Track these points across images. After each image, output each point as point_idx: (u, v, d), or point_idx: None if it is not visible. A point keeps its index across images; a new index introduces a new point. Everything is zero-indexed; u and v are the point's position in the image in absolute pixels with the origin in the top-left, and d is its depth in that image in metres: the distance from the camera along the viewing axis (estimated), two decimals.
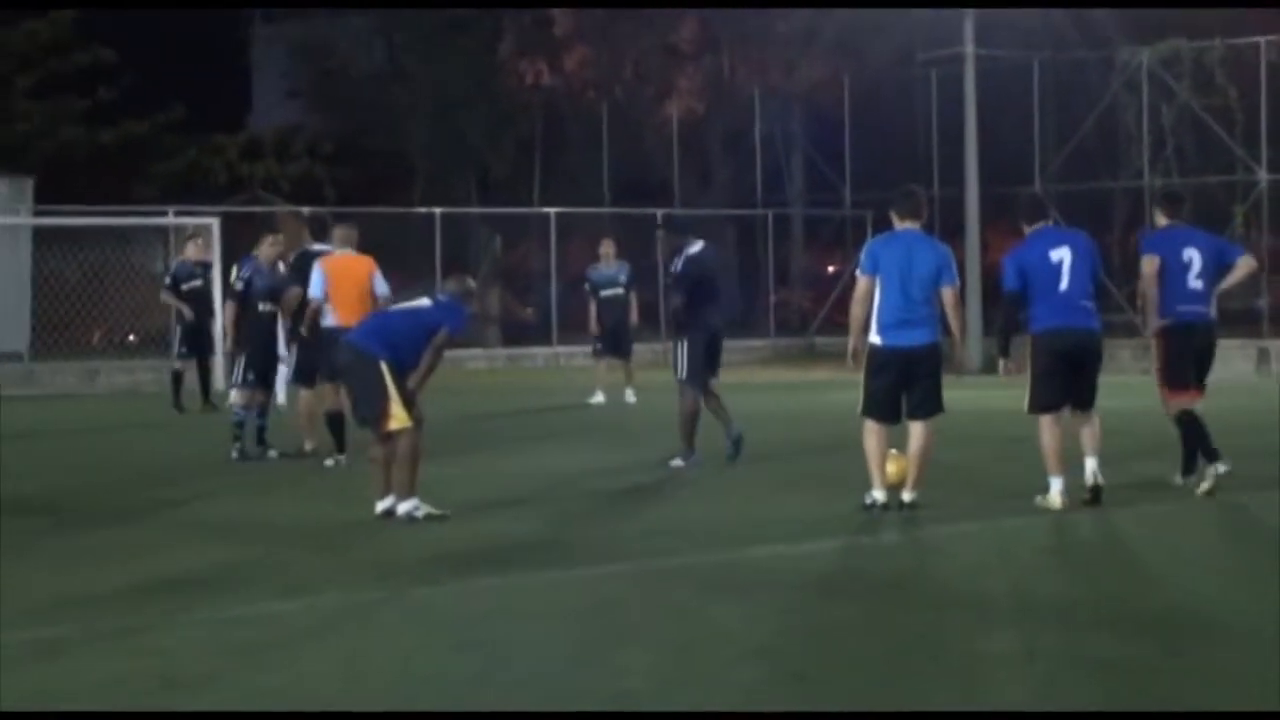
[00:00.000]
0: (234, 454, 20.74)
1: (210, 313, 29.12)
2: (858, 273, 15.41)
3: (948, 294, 15.18)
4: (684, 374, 20.18)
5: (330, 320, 19.85)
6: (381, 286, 20.16)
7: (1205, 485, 16.57)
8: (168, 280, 29.55)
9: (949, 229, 41.33)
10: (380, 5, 49.55)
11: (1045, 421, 16.06)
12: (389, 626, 11.24)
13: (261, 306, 21.65)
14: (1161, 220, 17.57)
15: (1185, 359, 16.77)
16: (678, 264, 20.44)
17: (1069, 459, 15.80)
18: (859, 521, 14.82)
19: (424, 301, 16.19)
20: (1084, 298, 16.34)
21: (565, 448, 22.08)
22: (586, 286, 30.72)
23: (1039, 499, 15.74)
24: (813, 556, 13.64)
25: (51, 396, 29.28)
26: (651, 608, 11.74)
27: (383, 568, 13.37)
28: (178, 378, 28.81)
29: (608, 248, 30.83)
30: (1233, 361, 35.42)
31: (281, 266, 22.05)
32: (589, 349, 31.04)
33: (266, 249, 21.99)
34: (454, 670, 9.91)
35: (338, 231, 20.97)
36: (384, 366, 15.40)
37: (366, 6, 50.61)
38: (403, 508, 15.40)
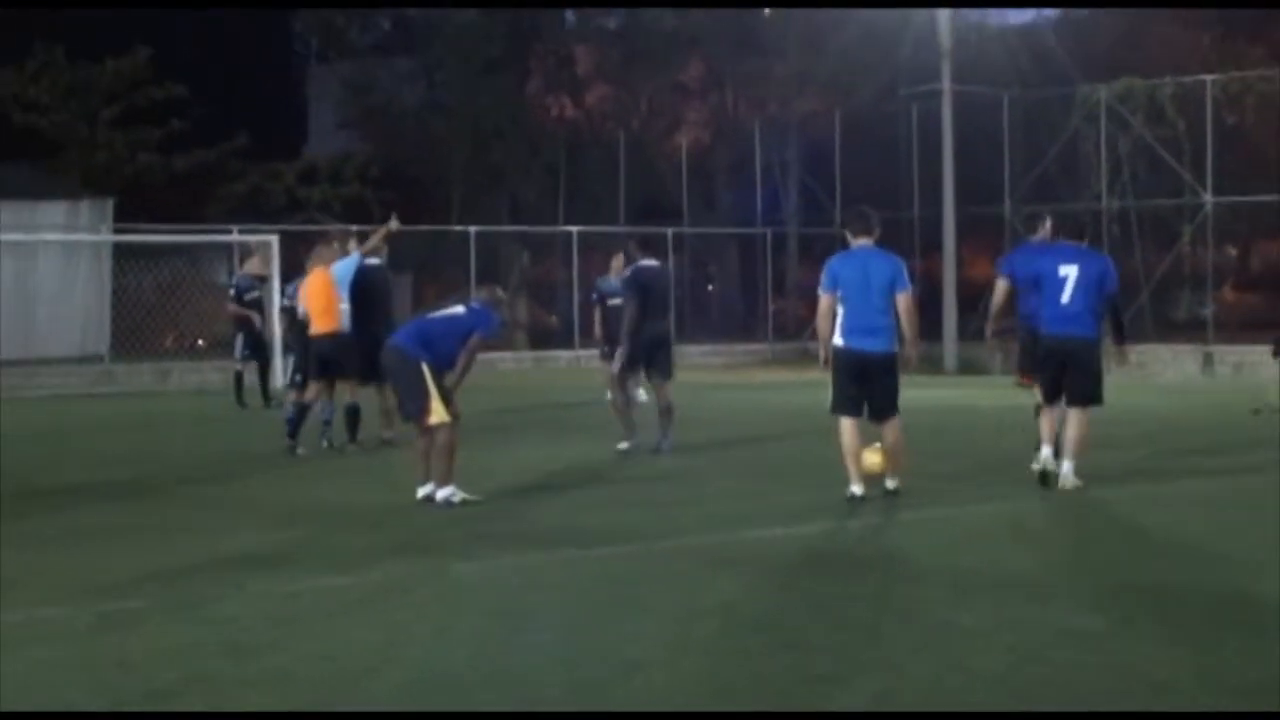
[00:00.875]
0: (323, 443, 20.76)
1: (267, 320, 29.19)
2: (820, 290, 15.32)
3: (903, 300, 15.08)
4: (615, 370, 20.87)
5: (312, 328, 20.27)
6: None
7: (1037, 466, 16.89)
8: (232, 292, 29.59)
9: (929, 245, 41.36)
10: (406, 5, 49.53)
11: (1044, 410, 16.60)
12: (428, 598, 11.27)
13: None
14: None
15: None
16: (625, 273, 21.48)
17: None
18: (844, 506, 14.83)
19: (459, 309, 16.24)
20: (1082, 309, 16.29)
21: (583, 440, 22.06)
22: (594, 296, 30.83)
23: (1033, 465, 16.33)
24: (803, 537, 13.65)
25: (129, 394, 29.33)
26: (658, 582, 11.75)
27: (422, 547, 13.40)
28: (239, 378, 28.85)
29: (617, 261, 30.93)
30: (1184, 364, 35.46)
31: None
32: (599, 352, 31.00)
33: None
34: (484, 637, 9.93)
35: (316, 250, 20.99)
36: (425, 367, 15.46)
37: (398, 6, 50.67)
38: (441, 494, 15.46)
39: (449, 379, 15.60)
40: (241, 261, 29.08)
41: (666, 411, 20.57)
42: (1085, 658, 9.20)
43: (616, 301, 29.65)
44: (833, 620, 10.42)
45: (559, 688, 8.66)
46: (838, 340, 15.03)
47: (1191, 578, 11.59)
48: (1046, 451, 16.24)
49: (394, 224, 21.37)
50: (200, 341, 40.32)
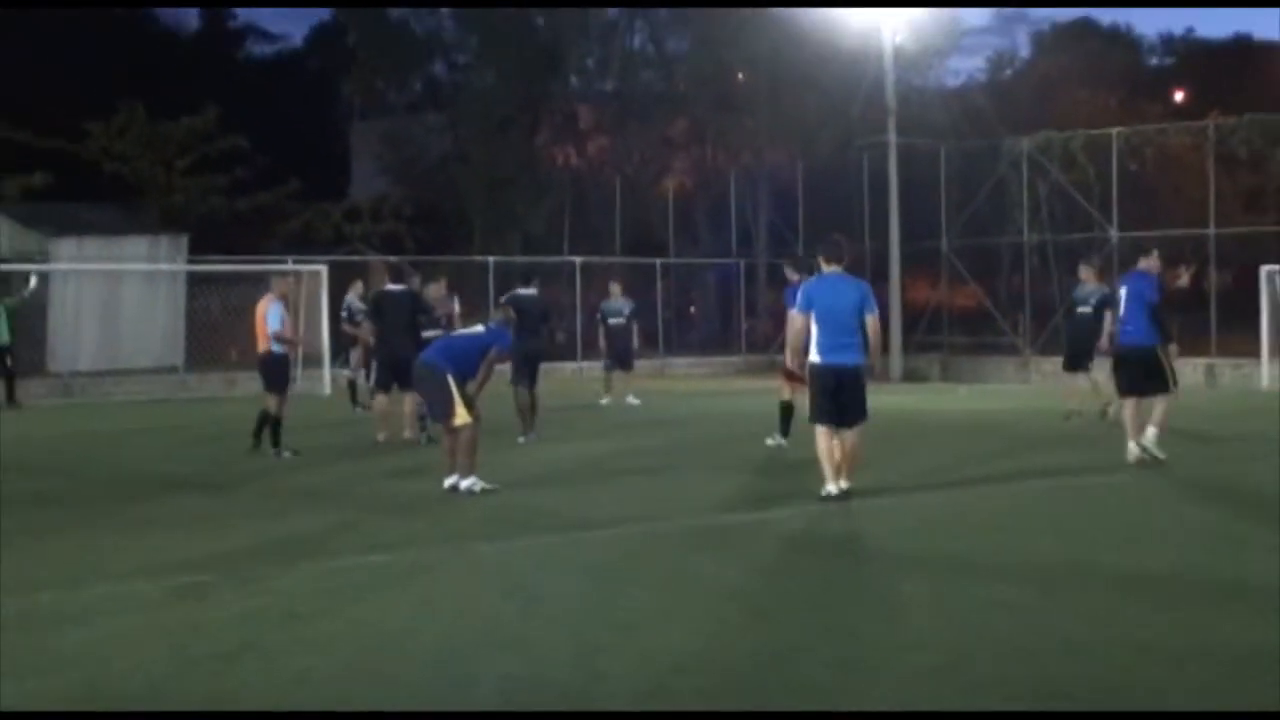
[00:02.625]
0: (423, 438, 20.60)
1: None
2: (793, 310, 15.07)
3: (870, 321, 14.70)
4: (511, 378, 21.29)
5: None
6: (271, 319, 20.01)
7: (771, 442, 19.32)
8: (344, 314, 29.22)
9: (878, 273, 41.36)
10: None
11: (1129, 403, 17.70)
12: (453, 573, 11.25)
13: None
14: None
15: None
16: (505, 298, 22.06)
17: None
18: (808, 495, 14.78)
19: (479, 328, 16.33)
20: (1135, 321, 17.71)
21: (584, 439, 22.03)
22: (599, 315, 31.10)
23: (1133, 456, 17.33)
24: (771, 522, 13.65)
25: (200, 399, 29.30)
26: (649, 559, 11.74)
27: (448, 529, 13.39)
28: (353, 385, 28.46)
29: (616, 287, 31.34)
30: (1096, 374, 35.39)
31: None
32: (602, 364, 31.03)
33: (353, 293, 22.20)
34: (501, 606, 9.92)
35: (272, 281, 20.98)
36: (450, 378, 15.48)
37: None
38: (464, 484, 15.44)
39: (471, 386, 15.63)
40: (347, 288, 28.83)
41: (531, 409, 21.47)
42: (1009, 622, 9.20)
43: (615, 321, 29.90)
44: (797, 592, 10.42)
45: (565, 649, 8.65)
46: (814, 358, 14.66)
47: (1100, 556, 11.59)
48: (1151, 433, 17.52)
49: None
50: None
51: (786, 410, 19.66)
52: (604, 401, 29.07)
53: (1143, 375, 17.73)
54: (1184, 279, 48.48)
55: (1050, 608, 9.68)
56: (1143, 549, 12.02)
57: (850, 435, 14.62)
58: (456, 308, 25.42)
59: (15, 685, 8.00)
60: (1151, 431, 17.53)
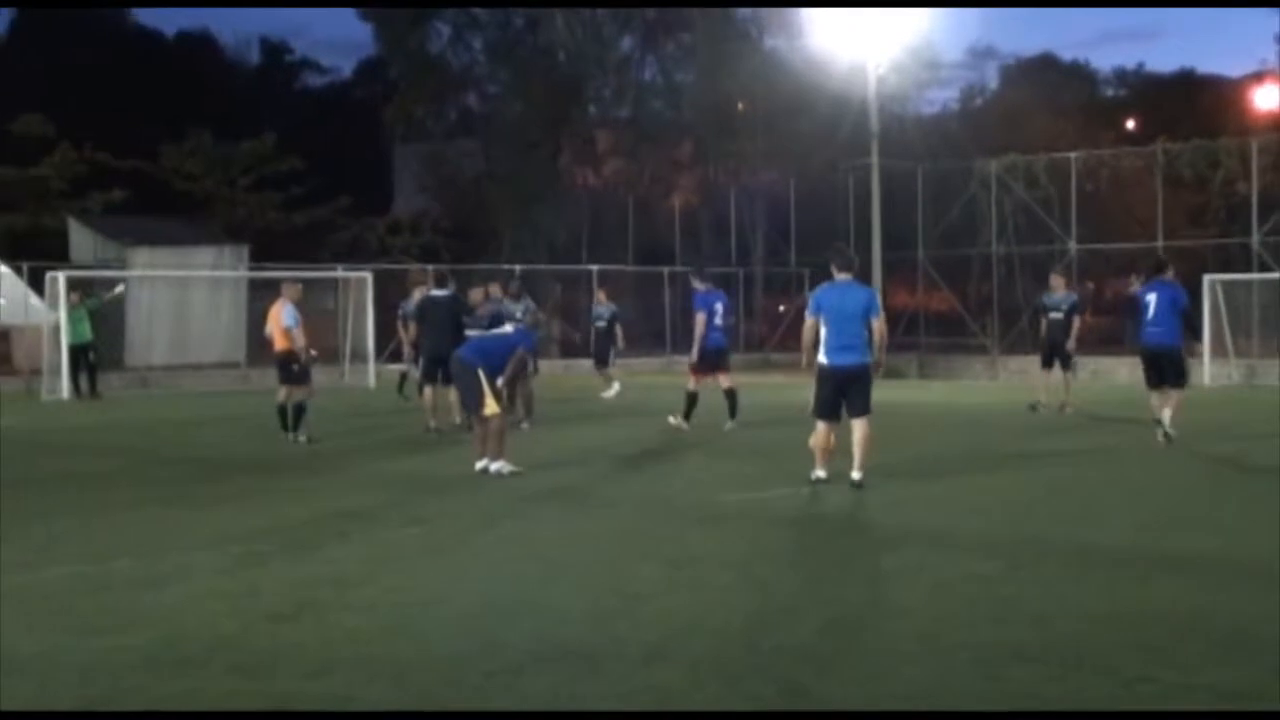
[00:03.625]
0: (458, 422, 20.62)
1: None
2: (806, 313, 14.64)
3: (876, 323, 14.40)
4: (423, 377, 21.30)
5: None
6: (286, 319, 20.05)
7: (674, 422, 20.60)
8: (401, 315, 29.14)
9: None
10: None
11: (1155, 394, 18.46)
12: (483, 545, 11.25)
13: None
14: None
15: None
16: (417, 299, 22.24)
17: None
18: (798, 477, 14.76)
19: (507, 329, 16.42)
20: (1164, 323, 18.34)
21: (598, 427, 22.00)
22: (591, 319, 31.53)
23: (1160, 438, 17.94)
24: (767, 501, 13.62)
25: (259, 392, 29.19)
26: (657, 534, 11.72)
27: (478, 507, 13.38)
28: (403, 377, 28.46)
29: (600, 294, 31.66)
30: (1054, 372, 35.38)
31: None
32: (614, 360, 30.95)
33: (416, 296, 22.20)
34: (525, 575, 9.91)
35: (283, 287, 20.97)
36: (481, 373, 15.50)
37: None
38: (494, 467, 15.45)
39: (500, 380, 15.65)
40: (406, 292, 28.81)
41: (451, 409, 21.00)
42: (982, 593, 9.19)
43: (599, 324, 30.09)
44: (789, 564, 10.42)
45: (582, 613, 8.64)
46: (822, 358, 14.32)
47: (1063, 533, 11.58)
48: (1166, 416, 18.17)
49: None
50: (313, 352, 40.24)
51: (692, 399, 21.13)
52: (613, 390, 28.80)
53: (1168, 370, 18.44)
54: (1135, 287, 48.52)
55: (1019, 580, 9.65)
56: (1102, 526, 12.01)
57: (860, 425, 14.28)
58: (531, 304, 25.76)
59: (99, 641, 8.02)
60: (1166, 414, 18.17)
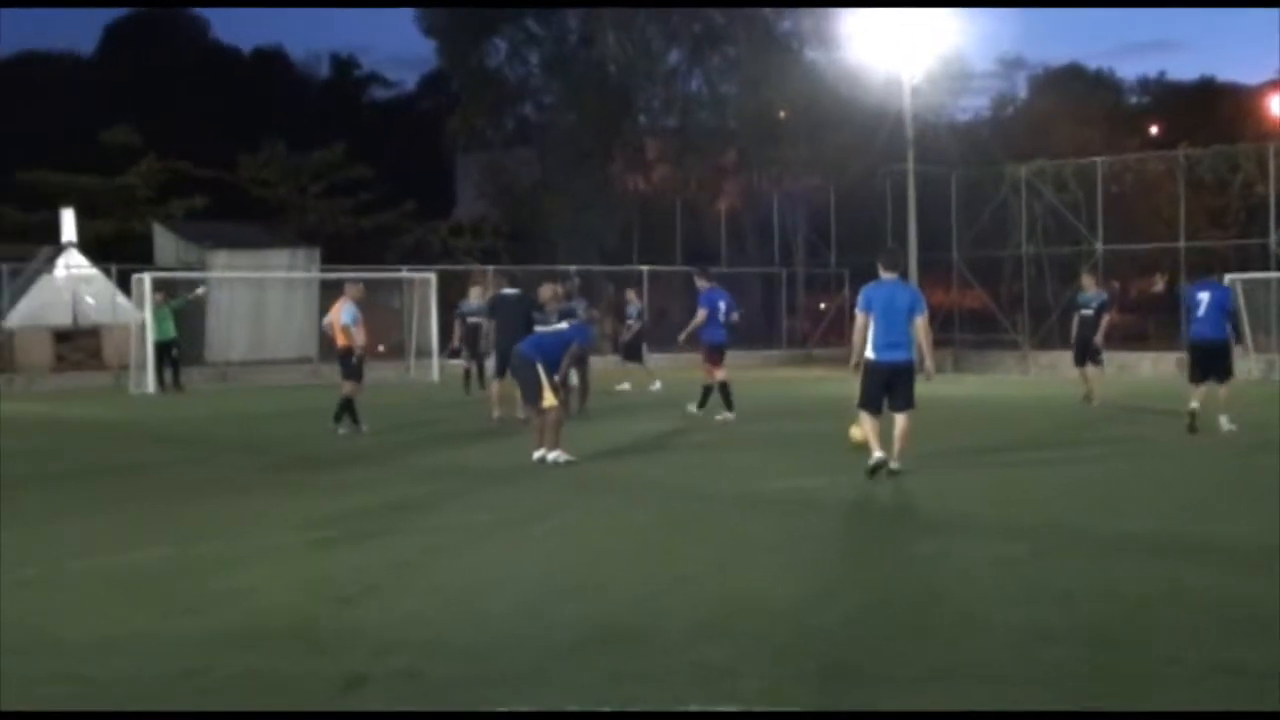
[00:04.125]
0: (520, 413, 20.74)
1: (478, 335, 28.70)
2: (856, 310, 14.44)
3: (920, 322, 14.20)
4: (493, 374, 21.52)
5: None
6: (345, 317, 20.02)
7: (722, 418, 20.69)
8: (459, 315, 29.23)
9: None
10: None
11: (1200, 389, 18.49)
12: (538, 531, 11.25)
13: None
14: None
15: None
16: (488, 297, 22.61)
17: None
18: (839, 465, 14.72)
19: (563, 325, 16.41)
20: (1214, 321, 18.42)
21: (648, 419, 21.89)
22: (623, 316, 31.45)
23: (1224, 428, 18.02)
24: (808, 489, 13.58)
25: (330, 386, 29.26)
26: (702, 520, 11.71)
27: (534, 494, 13.39)
28: (468, 374, 28.51)
29: (631, 293, 31.50)
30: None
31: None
32: (667, 355, 30.92)
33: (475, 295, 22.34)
34: (577, 559, 9.93)
35: (346, 287, 20.99)
36: (540, 367, 15.52)
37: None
38: (550, 456, 15.47)
39: (559, 374, 15.70)
40: (467, 292, 28.83)
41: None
42: (1009, 575, 9.15)
43: (630, 321, 30.10)
44: (830, 548, 10.38)
45: (631, 595, 8.64)
46: (870, 354, 14.15)
47: (1093, 520, 11.52)
48: (1224, 419, 18.22)
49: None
50: (380, 348, 40.44)
51: (719, 388, 21.47)
52: (655, 386, 28.51)
53: (1215, 365, 18.53)
54: (1159, 285, 48.24)
55: (1045, 563, 9.60)
56: (1128, 514, 11.93)
57: (902, 420, 14.14)
58: (585, 303, 25.83)
59: (186, 621, 8.08)
60: (1224, 416, 18.25)
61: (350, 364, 20.02)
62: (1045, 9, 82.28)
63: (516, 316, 20.71)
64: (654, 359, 31.87)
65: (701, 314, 21.65)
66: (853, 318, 14.67)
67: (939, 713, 6.30)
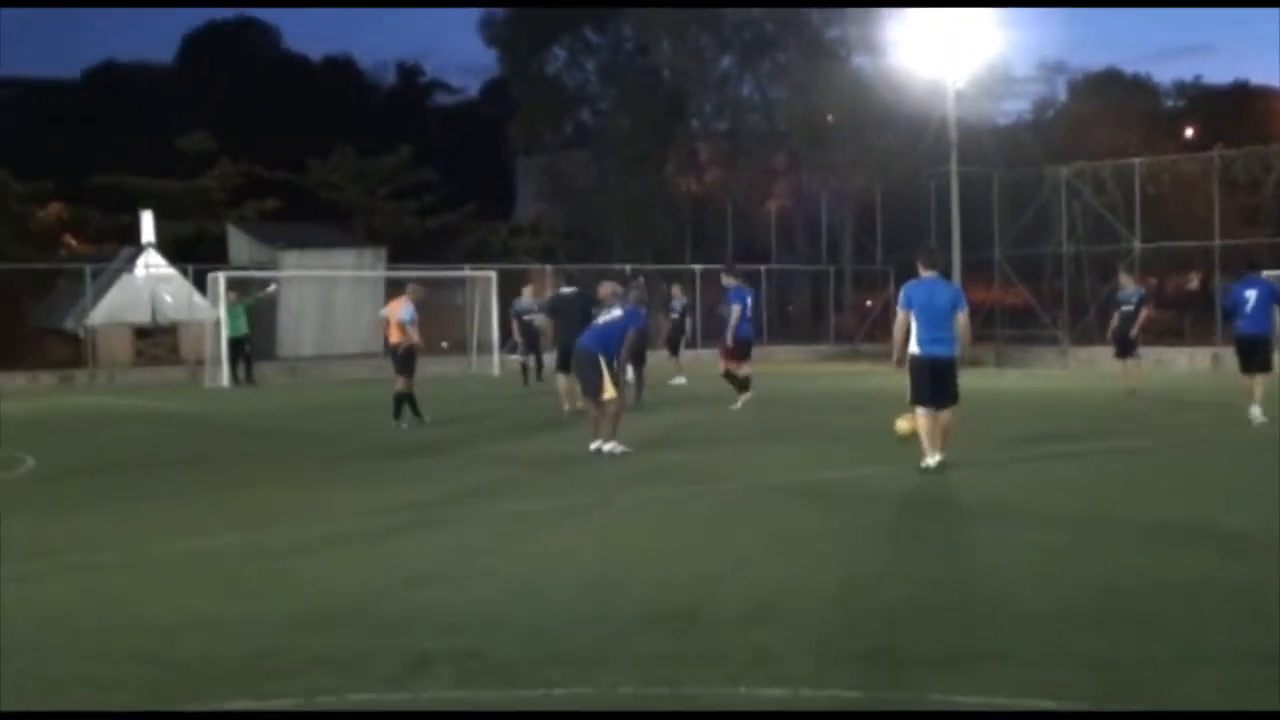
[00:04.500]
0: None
1: (534, 331, 28.84)
2: (897, 307, 14.27)
3: (960, 319, 13.97)
4: (558, 366, 21.38)
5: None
6: (403, 315, 19.99)
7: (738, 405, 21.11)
8: (513, 312, 29.38)
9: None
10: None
11: (1247, 380, 18.74)
12: (596, 519, 11.28)
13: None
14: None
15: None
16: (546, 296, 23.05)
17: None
18: (885, 456, 14.68)
19: (617, 313, 16.28)
20: (1260, 316, 18.54)
21: (699, 409, 21.86)
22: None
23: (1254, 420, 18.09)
24: (857, 479, 13.57)
25: (393, 380, 29.53)
26: (755, 508, 11.72)
27: (592, 484, 13.42)
28: (525, 368, 28.65)
29: (676, 289, 31.52)
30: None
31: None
32: (714, 350, 30.85)
33: (526, 294, 22.36)
34: (634, 545, 9.96)
35: (409, 287, 21.01)
36: (601, 360, 15.56)
37: None
38: (607, 447, 15.50)
39: (616, 364, 15.83)
40: (511, 294, 28.97)
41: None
42: (1049, 564, 9.11)
43: (673, 315, 30.10)
44: (875, 535, 10.36)
45: (686, 579, 8.66)
46: (914, 349, 13.91)
47: (1129, 509, 11.45)
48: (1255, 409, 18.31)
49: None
50: (444, 344, 40.60)
51: (733, 379, 21.95)
52: (680, 380, 28.25)
53: (1257, 357, 18.78)
54: (1194, 282, 47.83)
55: (1082, 551, 9.56)
56: (1162, 503, 11.87)
57: (945, 415, 13.94)
58: (684, 296, 25.93)
59: (259, 603, 8.16)
60: (1257, 402, 18.40)
61: (400, 359, 20.02)
62: (1084, 10, 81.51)
63: (576, 314, 20.75)
64: (704, 354, 31.82)
65: (736, 310, 21.71)
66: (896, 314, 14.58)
67: (968, 713, 6.25)
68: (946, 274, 13.90)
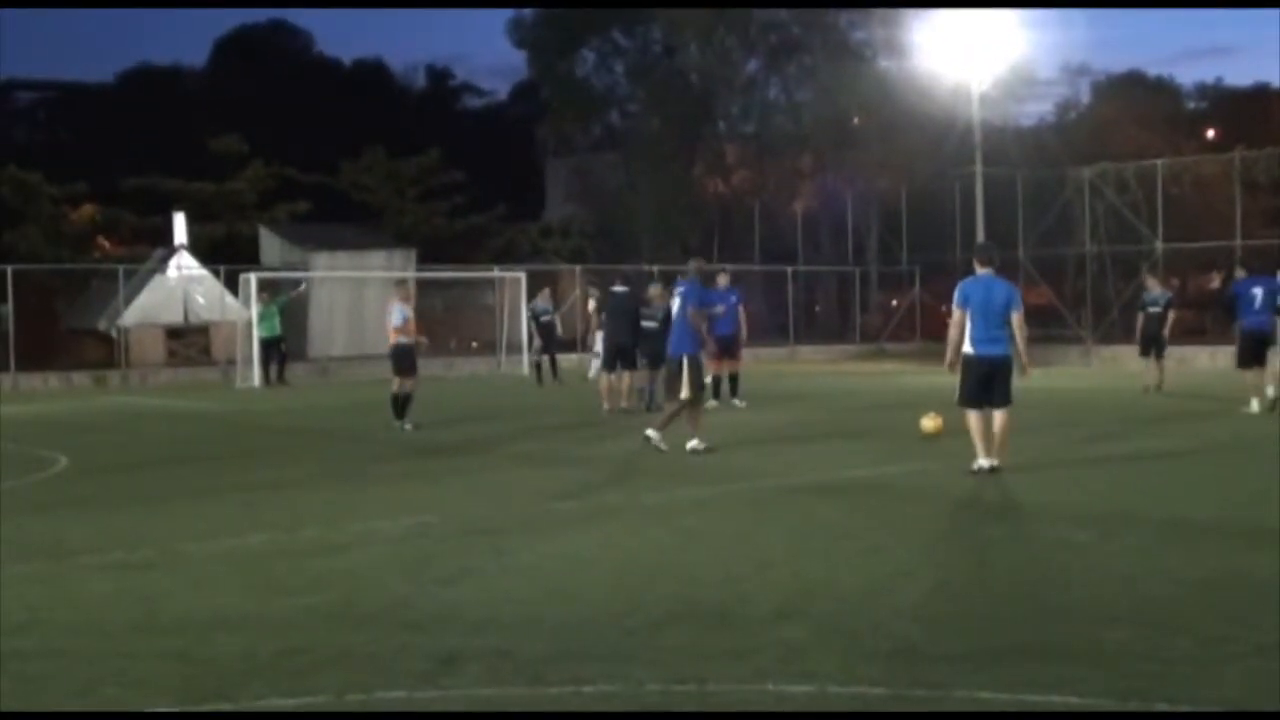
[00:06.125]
0: (644, 404, 20.98)
1: (551, 332, 29.11)
2: (954, 307, 13.75)
3: (1016, 318, 13.57)
4: (603, 365, 21.80)
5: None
6: (393, 318, 19.85)
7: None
8: (530, 313, 29.60)
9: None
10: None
11: (1245, 373, 19.80)
12: (627, 517, 11.25)
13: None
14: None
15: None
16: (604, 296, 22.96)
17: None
18: (912, 454, 14.62)
19: (675, 301, 16.17)
20: (1265, 312, 19.56)
21: (720, 411, 21.78)
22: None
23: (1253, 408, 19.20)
24: (884, 477, 13.52)
25: (424, 379, 29.54)
26: (785, 507, 11.69)
27: (623, 483, 13.42)
28: (539, 367, 28.82)
29: (724, 278, 31.43)
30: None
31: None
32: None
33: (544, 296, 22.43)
34: (665, 542, 9.94)
35: (395, 288, 21.02)
36: (685, 360, 15.67)
37: None
38: (690, 444, 15.52)
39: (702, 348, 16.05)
40: (534, 295, 29.13)
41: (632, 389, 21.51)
42: (1076, 559, 9.08)
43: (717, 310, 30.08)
44: (902, 533, 10.31)
45: (715, 577, 8.63)
46: (968, 349, 13.52)
47: (1154, 506, 11.40)
48: (1270, 390, 19.48)
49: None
50: (474, 343, 40.67)
51: (734, 380, 22.28)
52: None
53: (1263, 350, 19.59)
54: (1215, 282, 47.61)
55: (1109, 548, 9.52)
56: (1185, 501, 11.81)
57: (1001, 416, 13.51)
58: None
59: (293, 600, 8.16)
60: (1270, 388, 19.51)
61: (392, 359, 19.82)
62: (1107, 10, 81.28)
63: (626, 313, 20.90)
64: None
65: (720, 309, 21.36)
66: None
67: (993, 711, 6.20)
68: (968, 273, 13.58)
